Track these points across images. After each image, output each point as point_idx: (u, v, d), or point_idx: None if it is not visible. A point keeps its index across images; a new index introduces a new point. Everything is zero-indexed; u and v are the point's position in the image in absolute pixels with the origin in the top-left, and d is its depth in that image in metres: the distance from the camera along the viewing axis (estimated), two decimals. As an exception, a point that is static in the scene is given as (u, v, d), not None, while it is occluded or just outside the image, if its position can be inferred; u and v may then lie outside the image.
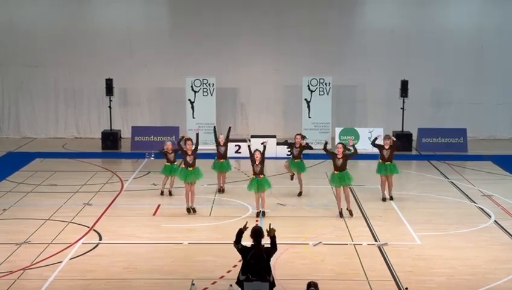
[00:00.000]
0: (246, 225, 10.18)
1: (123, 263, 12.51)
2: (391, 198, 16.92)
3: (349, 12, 25.48)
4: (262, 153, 15.40)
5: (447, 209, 16.21)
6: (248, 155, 15.89)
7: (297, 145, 17.16)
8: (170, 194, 17.21)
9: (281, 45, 25.38)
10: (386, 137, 17.15)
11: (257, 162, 15.37)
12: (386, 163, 16.88)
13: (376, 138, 17.31)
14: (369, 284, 11.63)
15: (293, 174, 17.44)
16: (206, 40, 25.19)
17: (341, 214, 15.41)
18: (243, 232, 10.13)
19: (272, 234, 9.99)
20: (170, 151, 17.11)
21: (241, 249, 10.01)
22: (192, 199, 15.66)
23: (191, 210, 15.62)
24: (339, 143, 16.00)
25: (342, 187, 15.44)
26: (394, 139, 17.37)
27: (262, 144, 15.69)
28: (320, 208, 16.25)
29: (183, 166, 15.87)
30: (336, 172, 15.48)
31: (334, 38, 25.30)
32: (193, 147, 15.80)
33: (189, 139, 15.97)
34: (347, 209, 15.49)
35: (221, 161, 17.41)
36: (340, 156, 15.46)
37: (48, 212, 15.72)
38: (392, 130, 24.04)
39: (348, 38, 25.43)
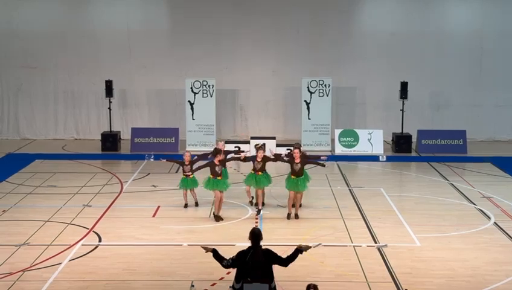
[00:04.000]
0: (206, 250, 9.61)
1: (122, 265, 12.51)
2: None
3: (348, 14, 25.49)
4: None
5: (447, 211, 16.21)
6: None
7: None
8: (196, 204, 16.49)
9: (281, 46, 25.39)
10: (296, 145, 16.39)
11: (258, 159, 15.63)
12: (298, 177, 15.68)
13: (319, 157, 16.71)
14: (369, 285, 11.63)
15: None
16: (206, 41, 25.20)
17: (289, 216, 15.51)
18: (217, 252, 9.59)
19: (301, 248, 9.43)
20: (187, 163, 16.38)
21: (235, 259, 9.47)
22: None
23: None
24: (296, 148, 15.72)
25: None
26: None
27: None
28: (319, 209, 16.24)
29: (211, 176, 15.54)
30: (293, 177, 15.45)
31: (334, 40, 25.31)
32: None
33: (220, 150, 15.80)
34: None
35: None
36: (298, 160, 15.42)
37: (48, 213, 15.72)
38: (392, 132, 24.12)
39: (347, 40, 25.44)
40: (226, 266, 9.56)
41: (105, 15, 25.50)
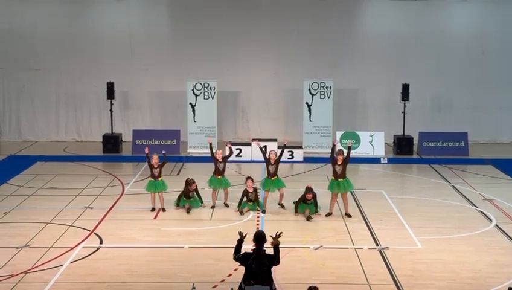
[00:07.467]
0: (242, 234, 9.93)
1: (124, 267, 12.51)
2: (348, 215, 15.77)
3: (349, 16, 25.49)
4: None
5: (448, 213, 16.21)
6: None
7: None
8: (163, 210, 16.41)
9: (282, 48, 25.38)
10: (339, 152, 15.82)
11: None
12: (339, 180, 15.67)
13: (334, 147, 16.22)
14: (370, 288, 11.63)
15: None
16: (207, 43, 25.21)
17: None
18: (242, 242, 9.91)
19: (275, 243, 9.61)
20: (156, 166, 16.35)
21: (241, 258, 9.73)
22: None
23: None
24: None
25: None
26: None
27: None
28: (321, 211, 16.22)
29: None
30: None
31: (335, 42, 25.30)
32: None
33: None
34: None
35: (219, 177, 16.66)
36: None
37: (49, 215, 15.73)
38: (393, 134, 24.11)
39: (348, 42, 25.43)
40: (235, 259, 9.84)
41: (107, 17, 25.53)
